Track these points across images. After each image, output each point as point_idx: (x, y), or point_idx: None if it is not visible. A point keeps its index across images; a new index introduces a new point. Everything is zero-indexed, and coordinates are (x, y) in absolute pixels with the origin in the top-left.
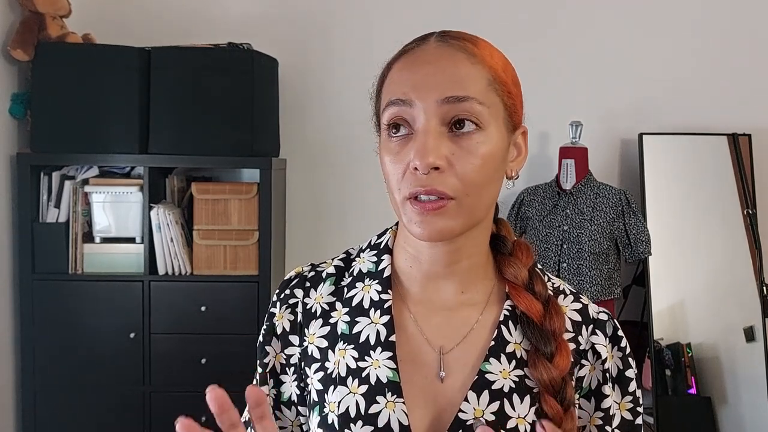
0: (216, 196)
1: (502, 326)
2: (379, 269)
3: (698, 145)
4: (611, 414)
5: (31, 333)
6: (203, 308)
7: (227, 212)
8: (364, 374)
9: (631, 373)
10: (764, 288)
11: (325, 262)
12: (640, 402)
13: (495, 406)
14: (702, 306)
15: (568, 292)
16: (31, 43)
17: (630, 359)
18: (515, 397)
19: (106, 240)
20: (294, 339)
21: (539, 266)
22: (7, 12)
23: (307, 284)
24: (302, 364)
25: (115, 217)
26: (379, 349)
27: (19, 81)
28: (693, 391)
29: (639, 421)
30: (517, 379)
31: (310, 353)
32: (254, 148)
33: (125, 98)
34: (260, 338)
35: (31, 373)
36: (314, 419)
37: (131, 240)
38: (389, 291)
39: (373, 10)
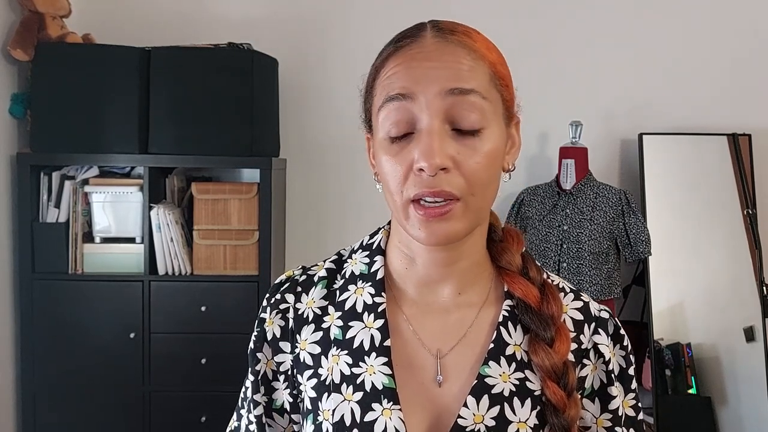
0: (216, 196)
1: (501, 327)
2: (371, 271)
3: (698, 145)
4: (620, 414)
5: (31, 333)
6: (203, 308)
7: (227, 212)
8: (358, 381)
9: (632, 370)
10: (764, 288)
11: (316, 265)
12: (639, 397)
13: (495, 411)
14: (702, 306)
15: (568, 290)
16: (31, 43)
17: (631, 356)
18: (516, 401)
19: (106, 240)
20: (285, 346)
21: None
22: (7, 12)
23: (299, 289)
24: (294, 371)
25: (115, 217)
26: (373, 354)
27: (19, 81)
28: (693, 391)
29: (641, 416)
30: (517, 383)
31: (302, 360)
32: (254, 148)
33: (125, 98)
34: (251, 345)
35: (31, 373)
36: (308, 427)
37: (131, 240)
38: (383, 294)
39: (372, 10)
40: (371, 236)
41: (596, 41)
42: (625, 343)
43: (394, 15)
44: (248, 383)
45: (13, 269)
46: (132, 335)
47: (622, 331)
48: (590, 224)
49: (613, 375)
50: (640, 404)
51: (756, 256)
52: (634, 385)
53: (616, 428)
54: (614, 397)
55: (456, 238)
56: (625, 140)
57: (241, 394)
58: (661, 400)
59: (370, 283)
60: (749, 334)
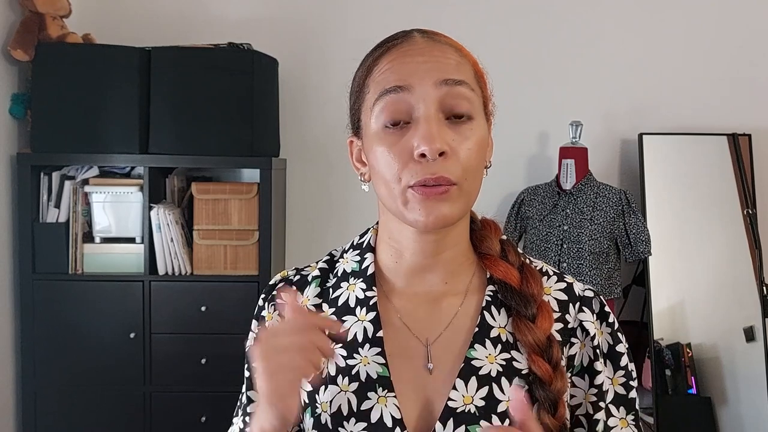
0: (216, 196)
1: (485, 311)
2: (362, 267)
3: (698, 145)
4: (604, 390)
5: (31, 333)
6: (203, 308)
7: (227, 212)
8: (353, 372)
9: (621, 347)
10: (764, 288)
11: (309, 266)
12: (633, 375)
13: (483, 391)
14: (702, 306)
15: (551, 273)
16: (31, 44)
17: (619, 334)
18: (504, 381)
19: (106, 240)
20: None
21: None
22: (7, 12)
23: (293, 288)
24: None
25: (115, 217)
26: (367, 345)
27: (19, 81)
28: (693, 391)
29: (632, 394)
30: (504, 363)
31: None
32: (254, 148)
33: (125, 98)
34: (250, 341)
35: (31, 373)
36: (307, 421)
37: (131, 240)
38: (374, 288)
39: (372, 11)
40: (361, 236)
41: (596, 41)
42: (611, 320)
43: (393, 15)
44: (246, 384)
45: (13, 269)
46: (132, 335)
47: (608, 309)
48: (590, 224)
49: (598, 351)
50: (632, 382)
51: (756, 256)
52: (624, 362)
53: (600, 403)
54: (599, 372)
55: (451, 220)
56: (625, 140)
57: (239, 402)
58: (661, 400)
59: (361, 279)
60: (749, 334)
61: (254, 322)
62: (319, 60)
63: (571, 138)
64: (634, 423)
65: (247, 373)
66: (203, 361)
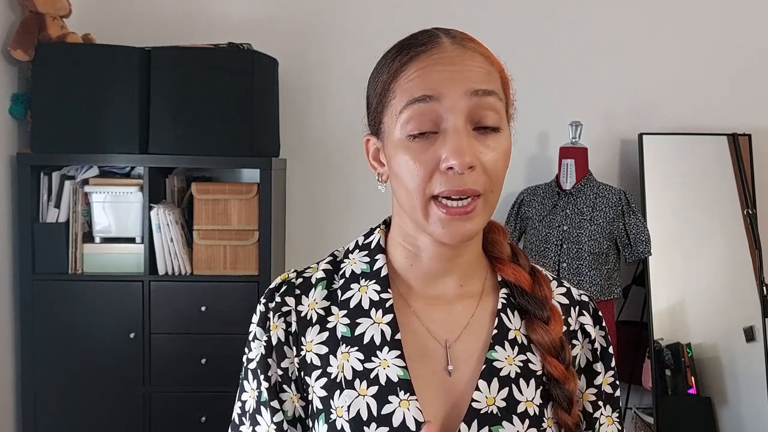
0: (216, 196)
1: (502, 314)
2: (374, 269)
3: (698, 145)
4: (602, 390)
5: (31, 333)
6: (203, 308)
7: (227, 212)
8: (372, 375)
9: (611, 349)
10: (764, 288)
11: (309, 268)
12: (617, 375)
13: (504, 392)
14: (702, 306)
15: (551, 278)
16: (31, 44)
17: (608, 336)
18: (522, 382)
19: (106, 240)
20: (288, 351)
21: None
22: (7, 12)
23: (297, 291)
24: (302, 374)
25: (115, 217)
26: (386, 348)
27: (19, 81)
28: (693, 391)
29: (617, 393)
30: (521, 365)
31: (309, 361)
32: (254, 148)
33: (125, 98)
34: (262, 350)
35: (31, 373)
36: (321, 428)
37: (131, 240)
38: (389, 290)
39: (372, 10)
40: (366, 236)
41: (597, 41)
42: (603, 324)
43: (393, 15)
44: (251, 393)
45: (13, 269)
46: (132, 335)
47: (600, 313)
48: (590, 224)
49: (597, 353)
50: (618, 382)
51: (756, 256)
52: (613, 362)
53: (599, 402)
54: (599, 374)
55: (473, 236)
56: (625, 140)
57: (239, 409)
58: (661, 400)
59: (374, 281)
60: (749, 334)
61: (257, 329)
62: (319, 60)
63: (571, 138)
64: (618, 420)
65: (265, 384)
66: (203, 361)
